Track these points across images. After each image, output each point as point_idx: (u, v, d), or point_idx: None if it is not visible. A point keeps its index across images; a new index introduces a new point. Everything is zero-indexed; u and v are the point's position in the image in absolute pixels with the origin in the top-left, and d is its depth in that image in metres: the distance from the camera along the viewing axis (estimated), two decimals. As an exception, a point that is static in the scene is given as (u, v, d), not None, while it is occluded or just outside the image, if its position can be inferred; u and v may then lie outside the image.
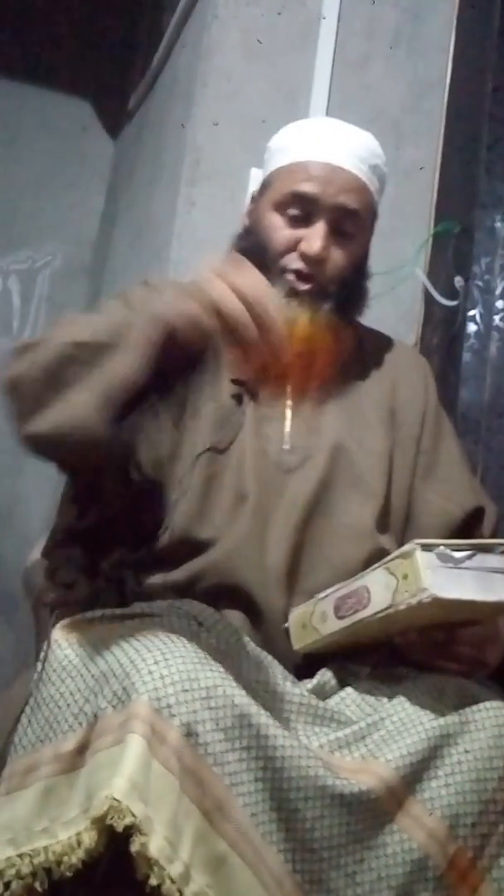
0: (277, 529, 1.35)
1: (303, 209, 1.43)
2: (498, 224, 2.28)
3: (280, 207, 1.44)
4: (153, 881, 0.97)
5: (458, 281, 2.21)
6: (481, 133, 2.28)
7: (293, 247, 1.42)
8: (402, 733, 1.14)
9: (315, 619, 1.27)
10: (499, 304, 2.27)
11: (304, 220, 1.43)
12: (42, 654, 1.22)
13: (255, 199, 1.52)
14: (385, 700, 1.22)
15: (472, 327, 2.26)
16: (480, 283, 2.27)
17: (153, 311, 1.09)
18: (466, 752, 1.14)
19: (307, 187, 1.43)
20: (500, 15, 2.32)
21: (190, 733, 1.03)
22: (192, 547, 1.34)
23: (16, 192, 3.02)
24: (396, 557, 1.18)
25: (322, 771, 1.07)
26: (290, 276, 1.42)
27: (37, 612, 1.56)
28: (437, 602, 1.14)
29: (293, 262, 1.42)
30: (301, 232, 1.43)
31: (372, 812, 1.09)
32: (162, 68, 2.59)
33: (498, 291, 2.28)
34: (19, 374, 1.13)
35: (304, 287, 1.42)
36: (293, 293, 1.41)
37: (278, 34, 2.19)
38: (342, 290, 1.45)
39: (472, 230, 2.24)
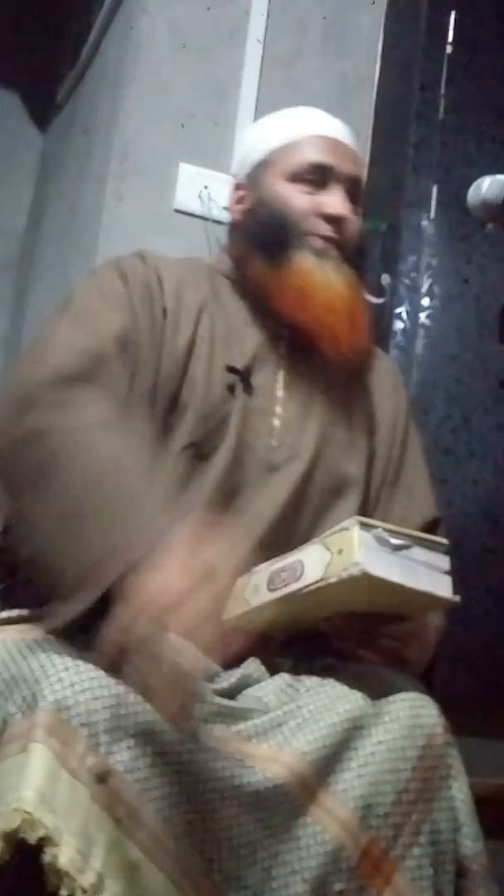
0: (254, 528, 1.34)
1: (319, 178, 1.46)
2: (424, 222, 2.31)
3: (294, 178, 1.46)
4: (63, 892, 0.96)
5: (385, 279, 2.23)
6: (408, 131, 2.30)
7: (313, 211, 1.45)
8: (317, 721, 1.14)
9: (248, 591, 1.26)
10: (425, 301, 2.29)
11: (319, 188, 1.46)
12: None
13: (251, 181, 1.52)
14: (303, 689, 1.21)
15: (398, 325, 2.28)
16: (407, 281, 2.29)
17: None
18: (380, 742, 1.14)
19: (323, 157, 1.47)
20: (428, 14, 2.35)
21: (99, 742, 1.01)
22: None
23: None
24: (335, 533, 1.18)
25: (237, 770, 1.07)
26: (317, 241, 1.44)
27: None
28: (367, 579, 1.13)
29: (317, 225, 1.44)
30: (318, 198, 1.45)
31: (285, 805, 1.09)
32: (91, 61, 2.58)
33: (424, 289, 2.30)
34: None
35: (333, 251, 1.44)
36: (323, 254, 1.43)
37: (207, 29, 2.19)
38: (358, 258, 1.49)
39: (399, 228, 2.26)
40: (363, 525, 1.17)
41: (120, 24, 2.32)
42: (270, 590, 1.23)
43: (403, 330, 2.28)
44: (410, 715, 1.17)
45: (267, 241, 1.45)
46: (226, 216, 2.05)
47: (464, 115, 2.38)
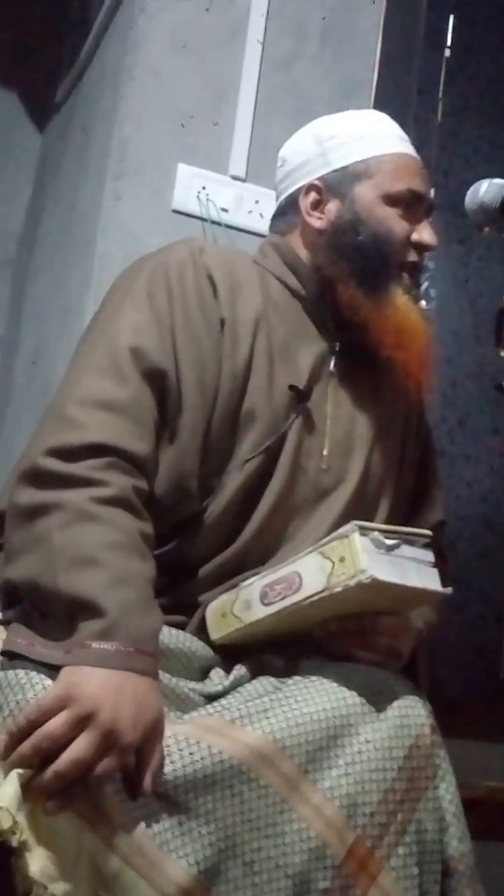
0: (300, 548, 1.33)
1: (412, 204, 1.45)
2: (421, 225, 2.31)
3: (393, 202, 1.43)
4: None
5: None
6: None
7: (408, 240, 1.44)
8: (304, 715, 1.14)
9: (237, 607, 1.25)
10: (422, 304, 2.30)
11: (410, 214, 1.45)
12: None
13: (334, 188, 1.46)
14: (290, 683, 1.21)
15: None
16: (403, 283, 2.30)
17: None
18: (368, 741, 1.14)
19: (418, 184, 1.46)
20: (426, 18, 2.36)
21: None
22: (218, 551, 1.33)
23: None
24: (332, 540, 1.18)
25: (218, 767, 1.07)
26: (406, 273, 1.44)
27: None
28: (374, 584, 1.14)
29: (410, 255, 1.44)
30: (412, 225, 1.45)
31: (265, 800, 1.09)
32: (90, 61, 2.58)
33: (421, 292, 2.31)
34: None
35: (417, 284, 1.47)
36: (410, 289, 1.44)
37: (206, 29, 2.19)
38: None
39: (396, 230, 2.26)
40: (361, 530, 1.17)
41: (119, 24, 2.33)
42: (265, 604, 1.22)
43: (400, 332, 2.29)
44: (399, 714, 1.17)
45: (367, 270, 1.42)
46: (225, 217, 2.08)
47: (462, 119, 2.39)
